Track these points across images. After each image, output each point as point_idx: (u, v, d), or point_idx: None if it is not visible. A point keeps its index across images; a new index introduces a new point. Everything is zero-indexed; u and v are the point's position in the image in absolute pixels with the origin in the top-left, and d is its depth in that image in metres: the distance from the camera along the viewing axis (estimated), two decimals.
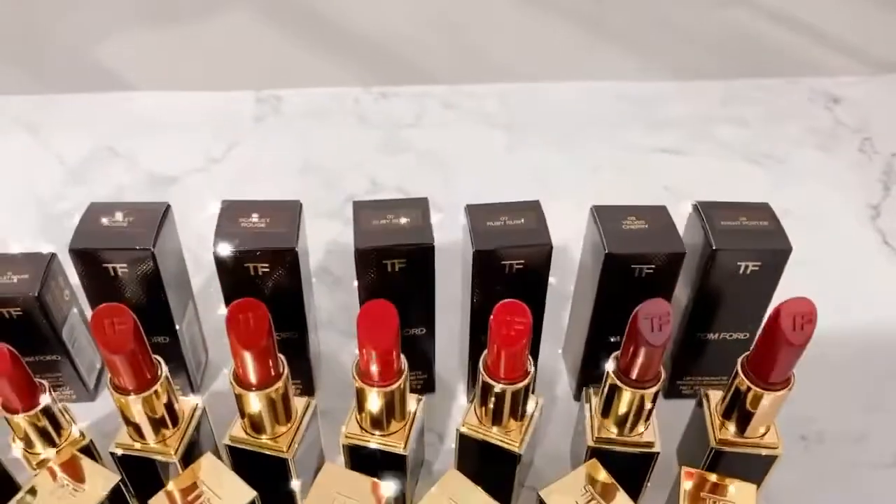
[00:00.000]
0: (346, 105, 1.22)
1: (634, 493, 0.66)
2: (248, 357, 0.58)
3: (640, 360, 0.59)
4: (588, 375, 0.77)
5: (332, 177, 1.08)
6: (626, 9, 1.50)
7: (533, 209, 0.70)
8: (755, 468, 0.66)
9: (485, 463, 0.66)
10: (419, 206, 0.70)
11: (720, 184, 1.08)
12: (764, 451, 0.65)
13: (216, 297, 0.70)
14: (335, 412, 0.74)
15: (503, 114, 1.21)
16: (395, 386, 0.61)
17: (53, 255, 0.72)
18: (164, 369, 0.61)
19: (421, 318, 0.72)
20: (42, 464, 0.65)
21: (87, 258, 0.66)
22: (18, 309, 0.68)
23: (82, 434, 0.67)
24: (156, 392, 0.60)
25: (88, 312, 0.75)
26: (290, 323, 0.72)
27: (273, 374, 0.60)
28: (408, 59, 1.35)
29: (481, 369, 0.62)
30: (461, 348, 0.80)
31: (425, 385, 0.79)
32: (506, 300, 0.59)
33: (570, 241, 0.96)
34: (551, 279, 0.69)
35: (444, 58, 1.36)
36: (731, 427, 0.65)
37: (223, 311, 0.59)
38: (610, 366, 0.62)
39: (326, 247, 0.96)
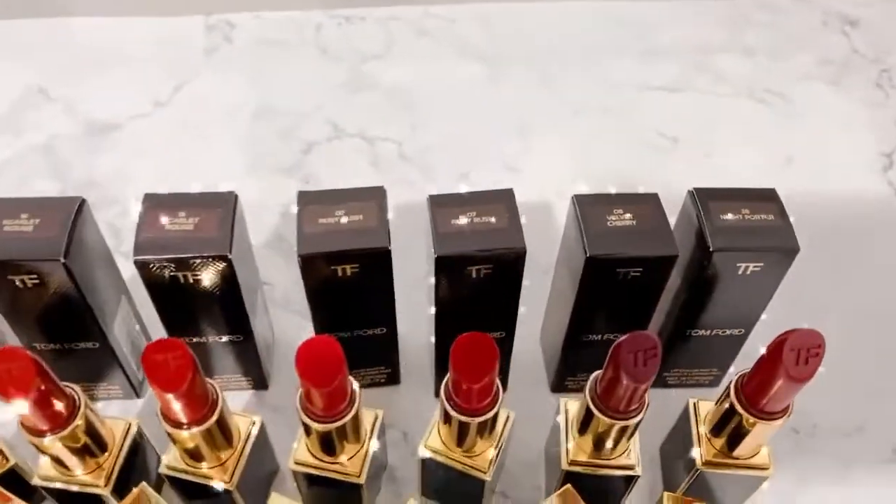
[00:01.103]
0: (307, 33, 1.09)
1: None
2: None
3: (623, 394, 0.52)
4: (567, 369, 0.70)
5: (289, 122, 0.97)
6: None
7: (504, 200, 0.61)
8: (743, 485, 0.61)
9: (450, 484, 0.61)
10: (374, 198, 0.61)
11: (719, 127, 0.98)
12: (753, 473, 0.59)
13: None
14: (288, 409, 0.68)
15: (481, 41, 1.08)
16: (346, 418, 0.54)
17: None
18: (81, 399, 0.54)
19: (380, 318, 0.65)
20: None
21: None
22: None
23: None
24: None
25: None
26: (233, 328, 0.64)
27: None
28: None
29: (443, 398, 0.55)
30: (428, 340, 0.73)
31: (389, 378, 0.73)
32: (469, 333, 0.51)
33: (553, 203, 0.88)
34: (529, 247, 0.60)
35: None
36: (719, 444, 0.59)
37: None
38: (588, 391, 0.55)
39: (282, 209, 0.87)
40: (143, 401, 0.73)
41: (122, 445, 0.59)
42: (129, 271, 0.64)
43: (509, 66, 1.05)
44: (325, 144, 0.95)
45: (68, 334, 0.63)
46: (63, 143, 0.94)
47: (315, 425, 0.54)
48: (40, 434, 0.53)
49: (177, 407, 0.51)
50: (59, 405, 0.52)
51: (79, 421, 0.54)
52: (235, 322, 0.64)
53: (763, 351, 0.53)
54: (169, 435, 0.55)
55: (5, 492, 0.56)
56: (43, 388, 0.50)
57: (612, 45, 1.08)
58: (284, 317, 0.78)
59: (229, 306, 0.62)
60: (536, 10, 1.13)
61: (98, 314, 0.62)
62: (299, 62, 1.05)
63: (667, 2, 1.14)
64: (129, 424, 0.60)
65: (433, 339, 0.66)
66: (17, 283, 0.57)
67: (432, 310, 0.62)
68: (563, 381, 0.72)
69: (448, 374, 0.54)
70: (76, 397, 0.54)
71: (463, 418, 0.54)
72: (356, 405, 0.55)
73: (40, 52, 1.05)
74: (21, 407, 0.50)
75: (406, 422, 0.72)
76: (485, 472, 0.58)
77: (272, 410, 0.72)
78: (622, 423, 0.54)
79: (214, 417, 0.53)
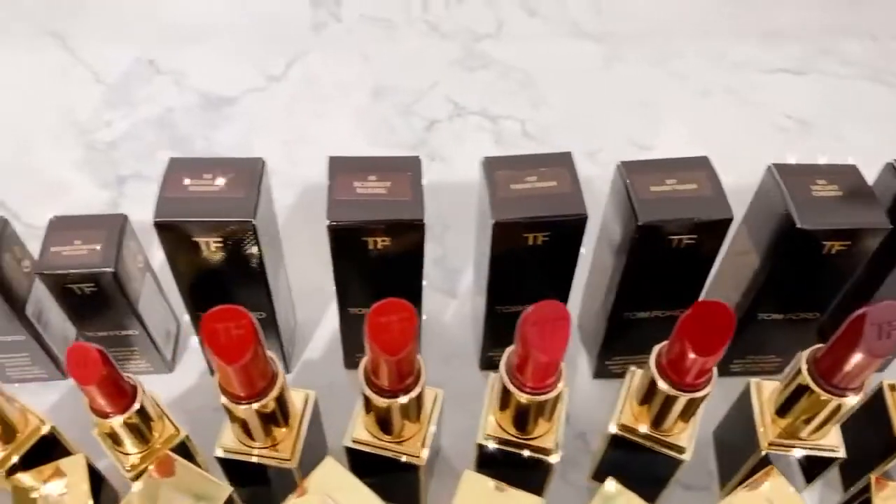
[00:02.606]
0: (414, 11, 1.07)
1: None
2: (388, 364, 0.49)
3: (853, 369, 0.49)
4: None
5: (408, 99, 0.95)
6: None
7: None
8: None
9: (637, 464, 0.58)
10: (564, 164, 0.58)
11: (845, 110, 0.95)
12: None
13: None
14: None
15: (592, 21, 1.06)
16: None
17: (125, 219, 0.61)
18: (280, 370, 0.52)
19: (557, 289, 0.62)
20: (135, 467, 0.57)
21: (173, 232, 0.55)
22: (93, 285, 0.58)
23: (177, 428, 0.59)
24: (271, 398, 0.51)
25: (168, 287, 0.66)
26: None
27: (412, 378, 0.51)
28: None
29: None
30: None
31: None
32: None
33: None
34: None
35: None
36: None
37: None
38: (805, 367, 0.53)
39: None
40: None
41: (303, 417, 0.57)
42: None
43: (623, 46, 1.02)
44: (447, 122, 0.93)
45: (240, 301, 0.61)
46: (179, 115, 0.92)
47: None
48: (239, 400, 0.51)
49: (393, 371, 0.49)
50: (266, 371, 0.50)
51: (276, 391, 0.51)
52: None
53: None
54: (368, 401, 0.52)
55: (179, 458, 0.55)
56: (257, 352, 0.48)
57: (733, 28, 1.06)
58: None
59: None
60: None
61: (271, 281, 0.60)
62: (410, 40, 1.03)
63: None
64: (308, 395, 0.58)
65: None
66: (202, 245, 0.55)
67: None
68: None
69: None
70: (275, 365, 0.52)
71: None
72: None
73: (143, 26, 1.03)
74: (235, 370, 0.48)
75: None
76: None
77: None
78: (838, 401, 0.51)
79: (420, 385, 0.51)
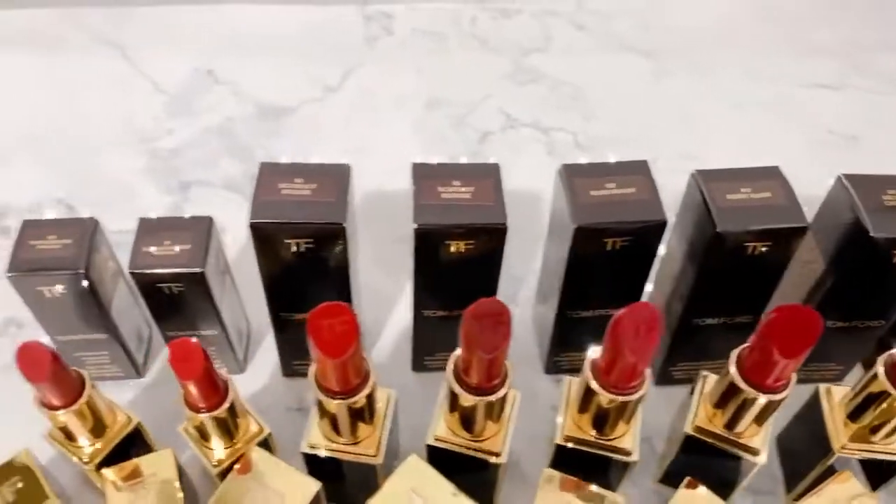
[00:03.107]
0: (463, 25, 1.09)
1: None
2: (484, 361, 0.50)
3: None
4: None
5: (460, 111, 0.97)
6: None
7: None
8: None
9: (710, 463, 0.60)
10: (640, 171, 0.60)
11: (889, 125, 0.97)
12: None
13: None
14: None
15: (639, 36, 1.08)
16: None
17: (211, 221, 0.63)
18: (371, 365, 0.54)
19: (630, 294, 0.64)
20: (221, 462, 0.58)
21: (267, 234, 0.57)
22: (181, 285, 0.60)
23: (261, 426, 0.60)
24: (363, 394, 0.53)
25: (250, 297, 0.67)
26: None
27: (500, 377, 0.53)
28: None
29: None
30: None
31: None
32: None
33: None
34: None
35: None
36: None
37: None
38: (881, 368, 0.54)
39: None
40: None
41: (385, 415, 0.58)
42: None
43: (669, 60, 1.04)
44: (500, 133, 0.95)
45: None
46: (238, 124, 0.94)
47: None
48: (333, 395, 0.52)
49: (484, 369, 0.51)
50: (361, 368, 0.52)
51: (368, 389, 0.53)
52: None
53: None
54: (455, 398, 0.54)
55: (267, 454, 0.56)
56: (357, 348, 0.49)
57: (769, 42, 1.08)
58: None
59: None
60: (687, 6, 1.13)
61: (353, 284, 0.62)
62: (461, 53, 1.05)
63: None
64: (389, 394, 0.59)
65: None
66: (293, 246, 0.57)
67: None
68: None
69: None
70: (367, 363, 0.53)
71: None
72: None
73: (200, 37, 1.06)
74: (335, 366, 0.49)
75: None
76: (758, 455, 0.57)
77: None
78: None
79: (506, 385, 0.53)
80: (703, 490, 0.56)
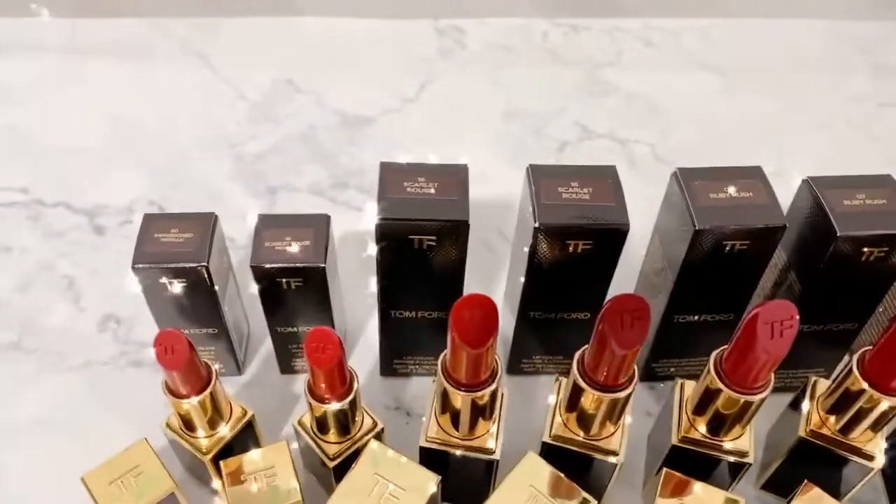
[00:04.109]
0: (534, 39, 1.11)
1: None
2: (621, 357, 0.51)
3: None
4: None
5: (538, 122, 0.98)
6: None
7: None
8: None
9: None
10: (757, 176, 0.61)
11: None
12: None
13: None
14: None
15: (708, 53, 1.09)
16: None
17: (328, 220, 0.64)
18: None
19: (738, 301, 0.64)
20: (337, 455, 0.59)
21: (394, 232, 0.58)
22: (300, 280, 0.61)
23: (374, 421, 0.61)
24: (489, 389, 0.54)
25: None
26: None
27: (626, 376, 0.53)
28: None
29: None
30: None
31: None
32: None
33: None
34: None
35: None
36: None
37: None
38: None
39: None
40: None
41: (501, 412, 0.59)
42: None
43: (740, 77, 1.06)
44: (577, 144, 0.96)
45: (434, 302, 0.63)
46: (320, 132, 0.96)
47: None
48: (459, 386, 0.53)
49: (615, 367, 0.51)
50: (490, 363, 0.53)
51: (496, 385, 0.54)
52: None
53: None
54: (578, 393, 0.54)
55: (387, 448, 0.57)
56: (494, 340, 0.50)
57: (844, 62, 1.09)
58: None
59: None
60: (757, 28, 1.14)
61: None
62: (534, 67, 1.07)
63: (888, 21, 1.15)
64: (503, 393, 0.60)
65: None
66: (416, 244, 0.58)
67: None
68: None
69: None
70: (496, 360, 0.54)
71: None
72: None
73: (280, 48, 1.08)
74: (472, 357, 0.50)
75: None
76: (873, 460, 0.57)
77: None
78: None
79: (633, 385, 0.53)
80: (820, 492, 0.56)
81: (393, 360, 0.71)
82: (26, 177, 0.89)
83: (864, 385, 0.54)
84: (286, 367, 0.72)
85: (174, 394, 0.56)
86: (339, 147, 0.94)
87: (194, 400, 0.56)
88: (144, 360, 0.73)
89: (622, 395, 0.53)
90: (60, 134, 0.95)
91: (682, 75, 1.06)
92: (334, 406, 0.56)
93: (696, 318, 0.65)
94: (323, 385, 0.54)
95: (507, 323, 0.71)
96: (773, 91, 1.04)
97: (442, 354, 0.54)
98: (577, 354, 0.54)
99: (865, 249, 0.58)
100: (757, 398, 0.53)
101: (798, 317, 0.49)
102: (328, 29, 1.11)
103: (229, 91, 1.01)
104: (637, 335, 0.49)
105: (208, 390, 0.56)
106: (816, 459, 0.59)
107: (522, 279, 0.63)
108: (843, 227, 0.57)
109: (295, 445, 0.63)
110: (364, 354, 0.74)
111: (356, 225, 0.80)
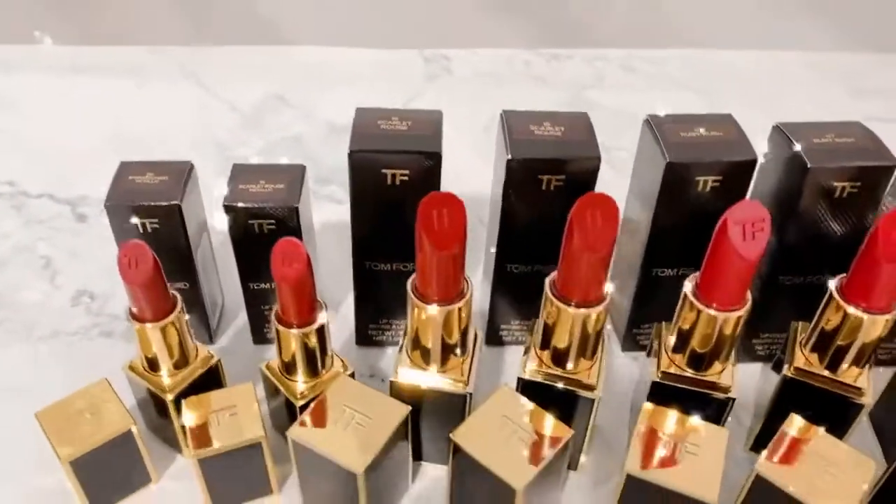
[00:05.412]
0: (517, 67, 1.15)
1: None
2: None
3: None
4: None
5: None
6: None
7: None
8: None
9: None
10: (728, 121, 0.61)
11: None
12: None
13: None
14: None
15: (690, 78, 1.13)
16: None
17: (304, 169, 0.65)
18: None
19: None
20: (305, 396, 0.57)
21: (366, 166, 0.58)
22: (273, 223, 0.61)
23: (343, 363, 0.59)
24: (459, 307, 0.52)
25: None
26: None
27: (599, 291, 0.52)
28: (575, 20, 1.27)
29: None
30: None
31: None
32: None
33: None
34: None
35: (617, 19, 1.27)
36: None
37: None
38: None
39: None
40: None
41: (475, 349, 0.57)
42: None
43: (727, 99, 1.08)
44: None
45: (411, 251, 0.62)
46: (309, 139, 0.98)
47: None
48: (429, 300, 0.52)
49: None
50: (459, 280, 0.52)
51: (465, 301, 0.53)
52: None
53: None
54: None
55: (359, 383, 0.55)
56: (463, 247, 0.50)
57: (821, 85, 1.12)
58: None
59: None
60: (736, 59, 1.18)
61: None
62: (518, 90, 1.10)
63: (874, 54, 1.19)
64: (477, 330, 0.59)
65: None
66: (388, 179, 0.58)
67: None
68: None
69: None
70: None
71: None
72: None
73: (273, 71, 1.12)
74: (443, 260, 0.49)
75: None
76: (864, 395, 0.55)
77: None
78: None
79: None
80: (806, 423, 0.53)
81: (368, 325, 0.69)
82: (14, 172, 0.90)
83: (844, 305, 0.52)
84: (259, 335, 0.70)
85: (136, 318, 0.54)
86: (325, 150, 0.96)
87: (157, 326, 0.54)
88: (115, 330, 0.72)
89: (594, 311, 0.51)
90: (53, 136, 0.97)
91: (665, 94, 1.09)
92: (301, 332, 0.54)
93: (675, 271, 0.64)
94: (290, 307, 0.53)
95: (484, 297, 0.70)
96: (756, 108, 1.06)
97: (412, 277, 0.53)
98: (550, 276, 0.53)
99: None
100: (733, 315, 0.51)
101: (769, 218, 0.49)
102: (319, 57, 1.15)
103: (221, 105, 1.04)
104: (606, 234, 0.48)
105: (172, 315, 0.55)
106: (804, 403, 0.57)
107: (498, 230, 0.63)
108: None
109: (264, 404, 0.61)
110: (341, 326, 0.73)
111: (339, 216, 0.80)
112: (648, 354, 0.61)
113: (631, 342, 0.71)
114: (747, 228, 0.48)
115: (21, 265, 0.78)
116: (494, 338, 0.71)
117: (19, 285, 0.76)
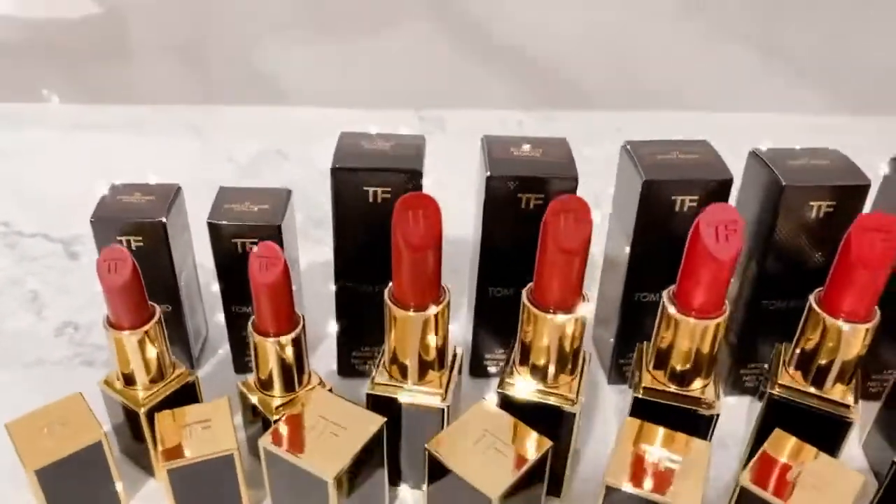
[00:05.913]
0: (510, 127, 1.18)
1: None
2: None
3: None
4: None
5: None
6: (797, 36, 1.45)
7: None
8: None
9: None
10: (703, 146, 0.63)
11: None
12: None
13: None
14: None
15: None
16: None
17: (289, 193, 0.66)
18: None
19: None
20: (279, 411, 0.56)
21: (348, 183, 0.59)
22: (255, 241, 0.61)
23: (321, 381, 0.58)
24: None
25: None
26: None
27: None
28: (569, 84, 1.31)
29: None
30: None
31: None
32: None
33: None
34: None
35: (608, 84, 1.31)
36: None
37: None
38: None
39: None
40: None
41: (454, 365, 0.57)
42: None
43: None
44: None
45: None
46: (306, 184, 1.00)
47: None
48: (408, 307, 0.51)
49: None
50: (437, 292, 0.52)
51: (446, 300, 0.53)
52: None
53: None
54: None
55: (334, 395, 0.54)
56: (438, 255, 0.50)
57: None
58: None
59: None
60: (722, 119, 1.21)
61: None
62: None
63: (852, 117, 1.21)
64: (455, 348, 0.58)
65: None
66: (370, 197, 0.59)
67: None
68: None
69: None
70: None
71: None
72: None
73: (269, 128, 1.15)
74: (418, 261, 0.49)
75: None
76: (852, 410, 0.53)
77: None
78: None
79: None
80: (789, 437, 0.52)
81: (351, 353, 0.68)
82: (10, 214, 0.92)
83: (824, 316, 0.52)
84: (241, 362, 0.69)
85: (113, 325, 0.54)
86: (322, 198, 0.97)
87: (134, 335, 0.54)
88: (97, 360, 0.71)
89: (571, 317, 0.51)
90: (51, 183, 0.99)
91: None
92: (277, 340, 0.54)
93: (657, 296, 0.64)
94: (266, 313, 0.53)
95: (466, 330, 0.70)
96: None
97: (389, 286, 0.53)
98: (527, 286, 0.53)
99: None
100: (712, 323, 0.51)
101: (742, 221, 0.49)
102: (316, 117, 1.18)
103: (219, 156, 1.06)
104: (580, 234, 0.49)
105: (150, 324, 0.54)
106: (791, 423, 0.55)
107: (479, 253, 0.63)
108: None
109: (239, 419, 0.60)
110: (325, 357, 0.72)
111: (324, 256, 0.81)
112: (630, 379, 0.60)
113: (617, 375, 0.70)
114: (720, 230, 0.49)
115: (9, 297, 0.79)
116: (479, 368, 0.70)
117: (4, 315, 0.76)
